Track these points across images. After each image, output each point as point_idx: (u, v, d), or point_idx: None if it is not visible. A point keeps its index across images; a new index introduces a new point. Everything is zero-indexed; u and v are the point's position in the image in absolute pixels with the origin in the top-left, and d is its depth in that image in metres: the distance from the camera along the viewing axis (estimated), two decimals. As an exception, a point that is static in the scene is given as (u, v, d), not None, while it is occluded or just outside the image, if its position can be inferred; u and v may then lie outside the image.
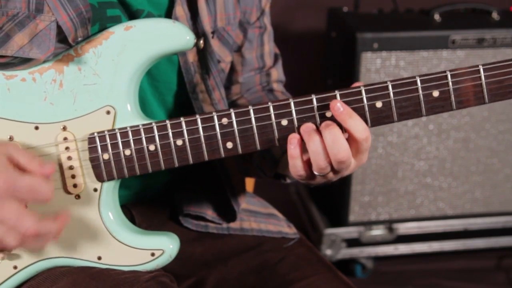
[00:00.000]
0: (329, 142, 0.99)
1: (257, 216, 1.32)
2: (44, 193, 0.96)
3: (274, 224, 1.32)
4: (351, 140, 1.01)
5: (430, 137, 2.28)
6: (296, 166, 1.03)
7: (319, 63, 2.58)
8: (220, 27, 1.22)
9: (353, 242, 2.37)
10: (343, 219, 2.35)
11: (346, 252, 2.38)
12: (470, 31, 2.16)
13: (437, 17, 2.22)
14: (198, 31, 1.17)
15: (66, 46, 1.05)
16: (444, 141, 2.29)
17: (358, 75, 2.13)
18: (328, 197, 2.49)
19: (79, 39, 1.05)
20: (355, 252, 2.39)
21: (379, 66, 2.15)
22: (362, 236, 2.36)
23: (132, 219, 1.20)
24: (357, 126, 1.00)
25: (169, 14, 1.15)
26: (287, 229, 1.31)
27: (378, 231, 2.37)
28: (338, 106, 1.00)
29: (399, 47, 2.15)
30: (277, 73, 1.40)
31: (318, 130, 1.01)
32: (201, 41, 1.12)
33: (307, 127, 1.01)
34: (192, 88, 1.19)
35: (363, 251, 2.40)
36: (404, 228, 2.38)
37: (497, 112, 2.28)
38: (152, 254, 1.08)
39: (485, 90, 1.00)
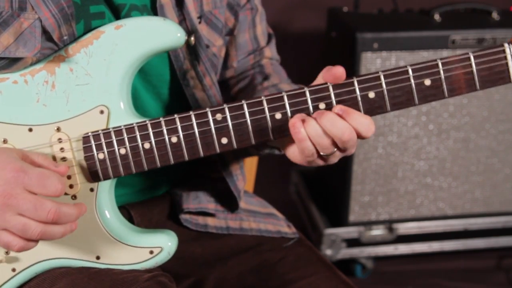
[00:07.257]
0: (328, 127, 0.98)
1: (257, 216, 1.32)
2: (55, 186, 0.95)
3: (274, 223, 1.32)
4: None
5: (430, 137, 2.27)
6: (308, 148, 1.01)
7: (319, 63, 2.57)
8: (206, 10, 1.22)
9: (353, 242, 2.36)
10: (343, 219, 2.34)
11: (346, 252, 2.38)
12: (470, 31, 2.16)
13: (437, 17, 2.22)
14: (184, 18, 1.17)
15: (54, 45, 1.05)
16: (444, 141, 2.29)
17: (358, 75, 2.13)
18: (328, 197, 2.49)
19: (65, 37, 1.05)
20: (355, 252, 2.39)
21: (379, 66, 2.14)
22: (362, 236, 2.36)
23: (130, 220, 1.20)
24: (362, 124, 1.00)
25: (153, 2, 1.14)
26: (287, 229, 1.31)
27: (378, 231, 2.37)
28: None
29: (399, 47, 2.14)
30: (270, 52, 1.38)
31: (309, 116, 1.01)
32: (192, 38, 1.12)
33: (298, 116, 1.01)
34: (183, 75, 1.18)
35: (363, 251, 2.39)
36: (404, 228, 2.38)
37: (497, 112, 2.27)
38: (151, 252, 1.08)
39: (476, 77, 1.01)
